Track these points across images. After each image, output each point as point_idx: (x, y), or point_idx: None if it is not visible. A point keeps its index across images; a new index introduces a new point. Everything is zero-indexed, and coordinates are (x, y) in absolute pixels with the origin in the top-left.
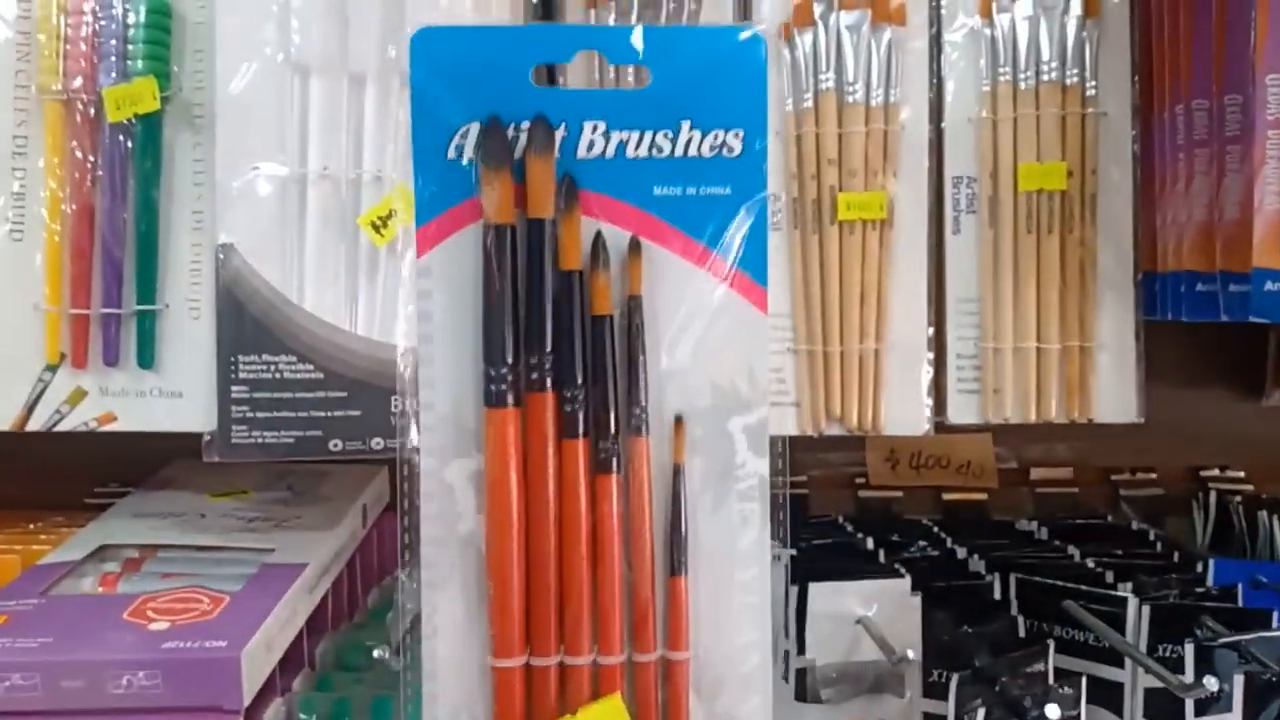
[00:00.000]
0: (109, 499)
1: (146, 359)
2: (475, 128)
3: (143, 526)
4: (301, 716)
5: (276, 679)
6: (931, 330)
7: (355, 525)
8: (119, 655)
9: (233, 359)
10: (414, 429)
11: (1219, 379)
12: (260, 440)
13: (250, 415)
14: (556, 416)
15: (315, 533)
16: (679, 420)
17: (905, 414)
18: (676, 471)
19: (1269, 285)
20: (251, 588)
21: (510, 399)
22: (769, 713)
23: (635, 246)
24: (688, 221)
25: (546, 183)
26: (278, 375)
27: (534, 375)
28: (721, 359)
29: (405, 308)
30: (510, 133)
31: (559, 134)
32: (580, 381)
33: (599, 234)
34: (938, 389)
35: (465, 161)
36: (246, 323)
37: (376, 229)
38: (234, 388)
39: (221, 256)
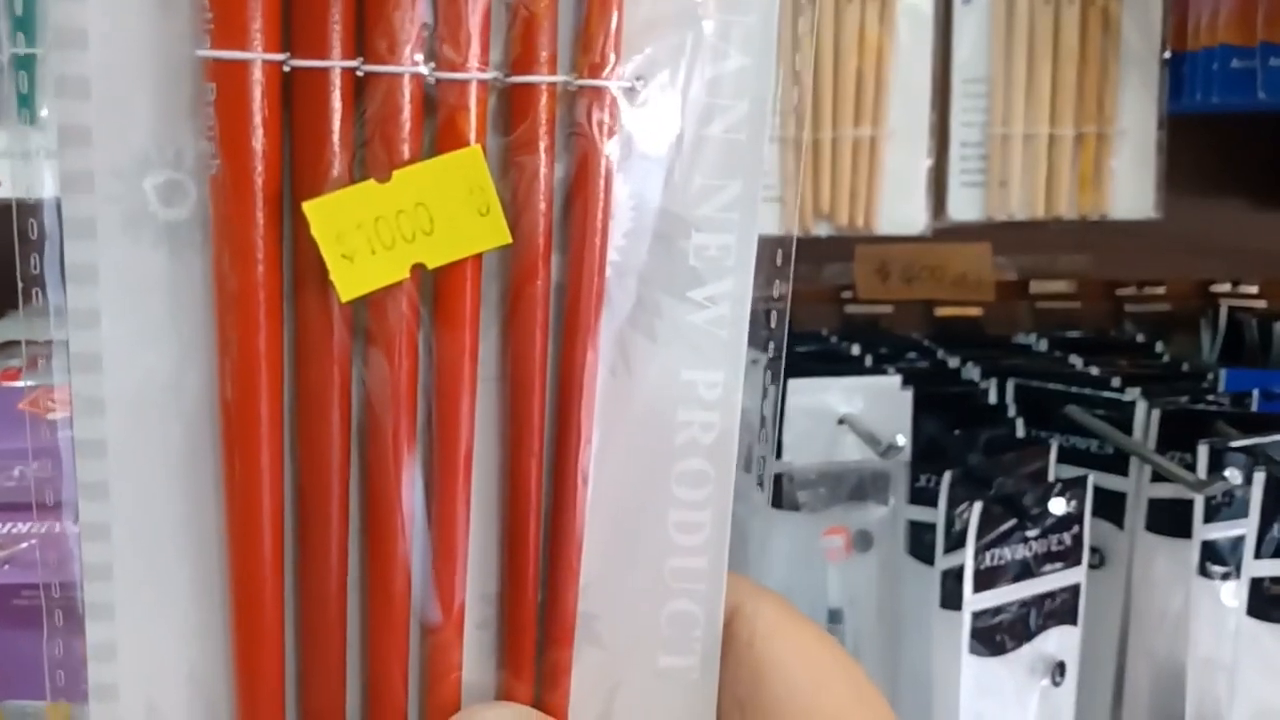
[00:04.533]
0: None
1: (30, 113)
2: None
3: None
4: None
5: None
6: (934, 115)
7: None
8: (10, 444)
9: None
10: None
11: (1236, 186)
12: None
13: None
14: None
15: None
16: None
17: (901, 211)
18: None
19: None
20: None
21: None
22: (754, 214)
23: None
24: None
25: None
26: None
27: None
28: None
29: None
30: None
31: None
32: None
33: None
34: (938, 183)
35: None
36: None
37: None
38: None
39: None
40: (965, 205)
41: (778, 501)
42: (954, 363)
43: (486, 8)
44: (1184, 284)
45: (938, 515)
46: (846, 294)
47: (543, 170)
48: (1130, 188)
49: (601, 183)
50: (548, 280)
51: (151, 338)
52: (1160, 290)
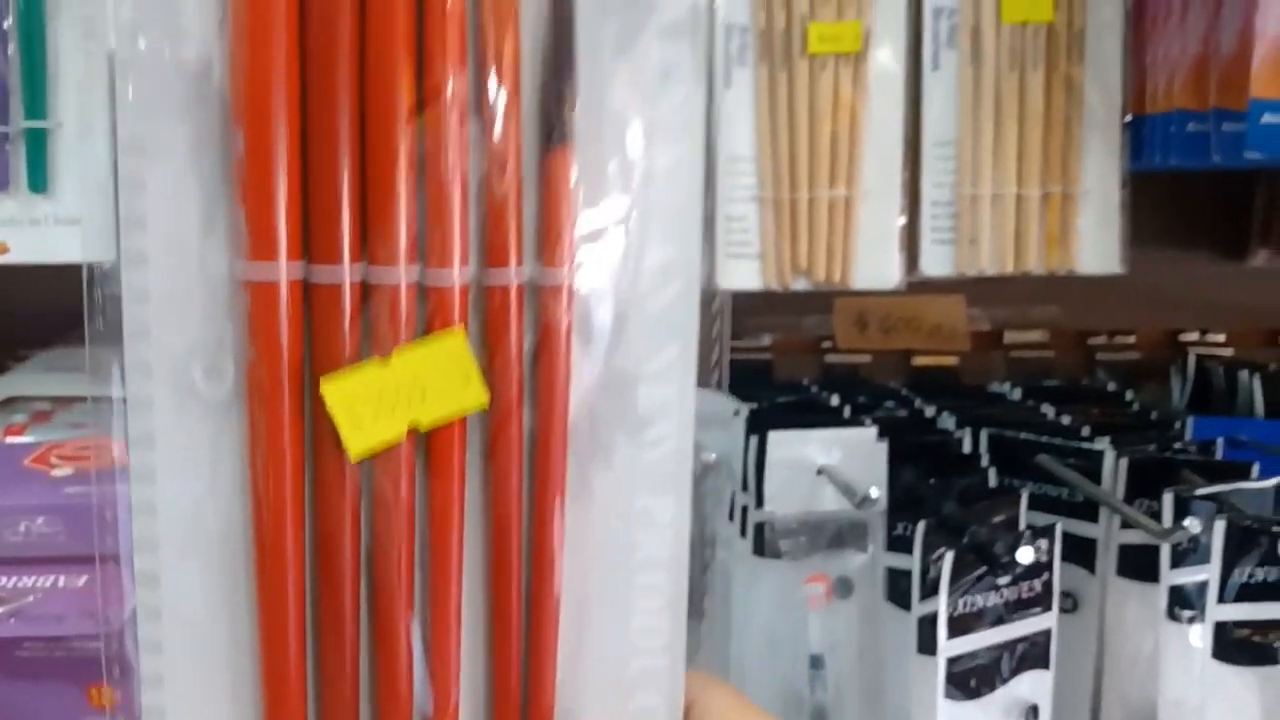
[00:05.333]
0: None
1: (39, 182)
2: None
3: (56, 380)
4: None
5: None
6: (906, 176)
7: None
8: (16, 500)
9: None
10: None
11: (1200, 240)
12: None
13: None
14: None
15: None
16: None
17: (876, 267)
18: None
19: (1266, 118)
20: None
21: None
22: (691, 370)
23: None
24: None
25: None
26: None
27: None
28: None
29: None
30: None
31: None
32: None
33: None
34: (911, 240)
35: None
36: None
37: None
38: None
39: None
40: (937, 261)
41: (760, 550)
42: (930, 412)
43: (465, 217)
44: (1154, 333)
45: (913, 563)
46: (827, 344)
47: (513, 343)
48: (1096, 245)
49: (562, 350)
50: (520, 430)
51: (198, 490)
52: (1131, 339)
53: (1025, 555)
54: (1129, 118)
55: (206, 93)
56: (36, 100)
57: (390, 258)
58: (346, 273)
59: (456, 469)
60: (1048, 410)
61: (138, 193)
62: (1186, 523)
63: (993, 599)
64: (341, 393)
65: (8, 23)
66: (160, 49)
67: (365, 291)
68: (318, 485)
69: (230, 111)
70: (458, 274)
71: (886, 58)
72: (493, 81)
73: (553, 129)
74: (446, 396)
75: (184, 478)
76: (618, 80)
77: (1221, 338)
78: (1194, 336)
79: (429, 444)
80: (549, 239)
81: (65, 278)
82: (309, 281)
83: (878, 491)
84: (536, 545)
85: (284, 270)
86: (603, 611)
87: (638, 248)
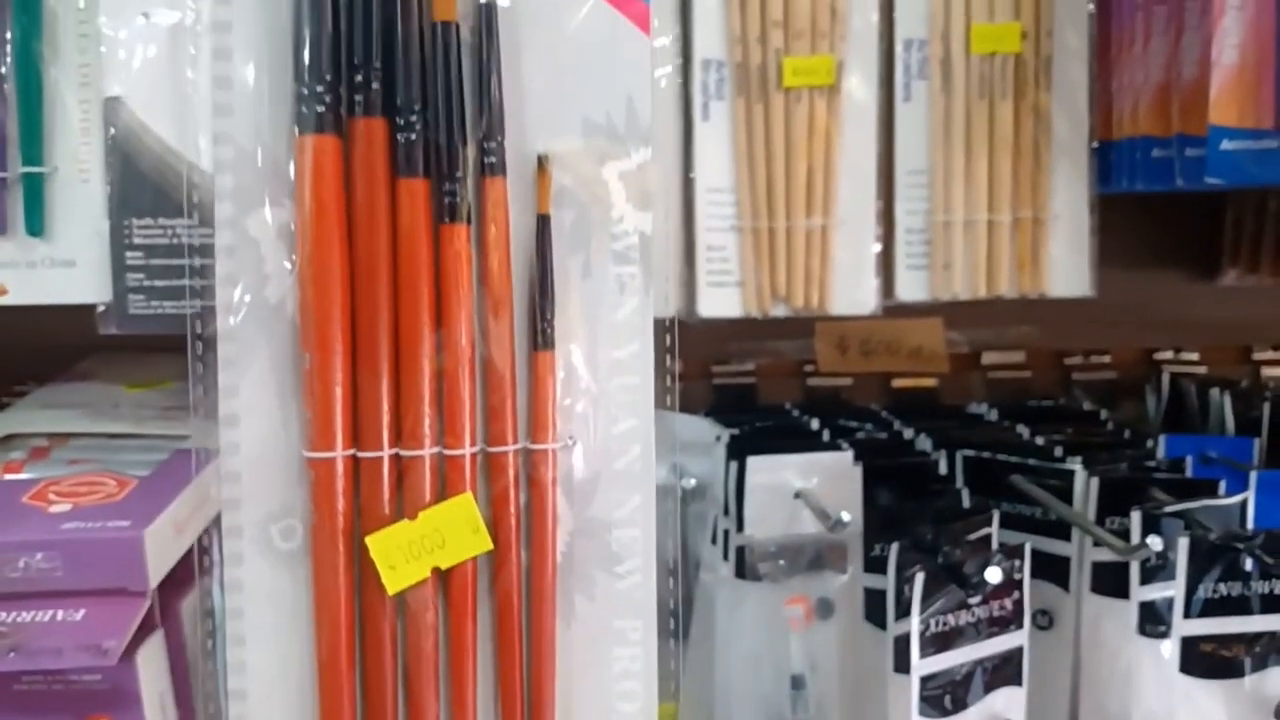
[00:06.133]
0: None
1: (35, 225)
2: None
3: (52, 416)
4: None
5: (195, 566)
6: (880, 204)
7: None
8: (14, 537)
9: (126, 223)
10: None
11: (1172, 259)
12: (160, 310)
13: (147, 284)
14: (389, 148)
15: None
16: (542, 162)
17: (853, 293)
18: (540, 225)
19: (1225, 144)
20: (162, 471)
21: (329, 124)
22: (651, 513)
23: None
24: None
25: None
26: (175, 240)
27: (359, 96)
28: (593, 88)
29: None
30: None
31: None
32: (418, 106)
33: None
34: (886, 266)
35: None
36: (139, 183)
37: None
38: (129, 254)
39: (110, 112)
40: (912, 287)
41: (742, 573)
42: (909, 434)
43: (473, 407)
44: (1129, 352)
45: (888, 583)
46: (809, 367)
47: (511, 500)
48: (1067, 268)
49: (549, 504)
50: (519, 568)
51: (274, 623)
52: (1106, 359)
53: (994, 575)
54: (1096, 143)
55: (282, 321)
56: (33, 146)
57: (417, 443)
58: (386, 453)
59: (470, 599)
60: (1023, 431)
61: (232, 397)
62: (1150, 539)
63: (965, 617)
64: (381, 545)
65: (4, 68)
66: (248, 291)
67: (399, 465)
68: (365, 613)
69: (300, 337)
70: (468, 450)
71: (859, 89)
72: (491, 302)
73: (538, 335)
74: (460, 544)
75: (263, 616)
76: (584, 295)
77: (1195, 355)
78: (1169, 354)
79: (448, 580)
80: (537, 419)
81: (60, 315)
82: (358, 459)
83: (849, 515)
84: (534, 657)
85: (340, 453)
86: (588, 712)
87: (605, 421)
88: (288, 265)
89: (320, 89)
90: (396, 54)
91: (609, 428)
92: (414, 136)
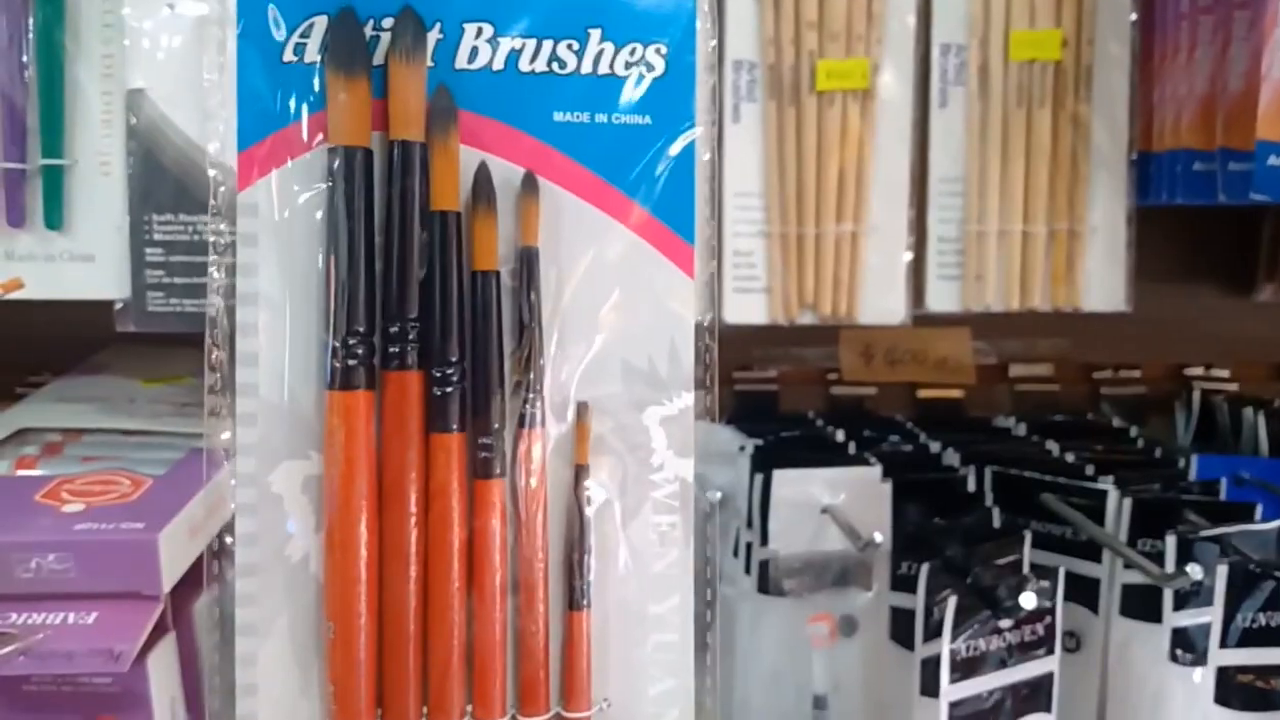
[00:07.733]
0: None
1: (55, 219)
2: (322, 21)
3: (67, 410)
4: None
5: (205, 569)
6: (912, 212)
7: None
8: (27, 537)
9: (146, 219)
10: (228, 421)
11: (1206, 274)
12: (180, 308)
13: (167, 281)
14: (423, 403)
15: None
16: (582, 410)
17: (882, 302)
18: (578, 476)
19: (1273, 160)
20: (177, 471)
21: (361, 379)
22: None
23: (530, 184)
24: (596, 156)
25: (415, 96)
26: (196, 237)
27: (394, 348)
28: (636, 333)
29: (218, 258)
30: (369, 30)
31: (432, 36)
32: (455, 358)
33: (483, 166)
34: (917, 275)
35: (307, 63)
36: (161, 178)
37: None
38: (148, 250)
39: (132, 104)
40: (943, 297)
41: (764, 587)
42: (935, 447)
43: (502, 675)
44: (1159, 367)
45: (917, 605)
46: (833, 376)
47: None
48: (1102, 282)
49: None
50: None
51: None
52: (1136, 374)
53: (1028, 601)
54: (1135, 155)
55: (305, 581)
56: (54, 138)
57: (445, 716)
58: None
59: None
60: (1052, 447)
61: (249, 666)
62: (1189, 568)
63: (995, 642)
64: None
65: (26, 58)
66: (269, 550)
67: None
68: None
69: (325, 605)
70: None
71: (894, 94)
72: (524, 561)
73: (574, 594)
74: None
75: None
76: (623, 547)
77: (1226, 373)
78: (1199, 371)
79: None
80: (571, 685)
81: (79, 308)
82: None
83: (881, 537)
84: None
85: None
86: None
87: (642, 681)
88: (312, 521)
89: (354, 342)
90: (434, 306)
91: (644, 689)
92: (450, 390)
